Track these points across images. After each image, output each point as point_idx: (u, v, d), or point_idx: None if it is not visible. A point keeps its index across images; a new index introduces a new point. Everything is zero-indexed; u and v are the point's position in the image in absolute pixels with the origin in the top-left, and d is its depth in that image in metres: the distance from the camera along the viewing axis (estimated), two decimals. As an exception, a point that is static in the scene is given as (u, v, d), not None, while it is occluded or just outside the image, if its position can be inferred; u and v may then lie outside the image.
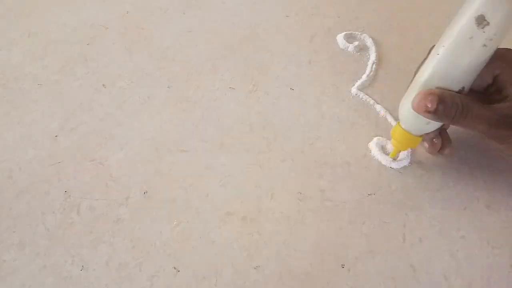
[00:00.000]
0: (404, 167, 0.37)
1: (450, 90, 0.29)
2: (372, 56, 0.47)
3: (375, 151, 0.38)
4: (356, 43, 0.48)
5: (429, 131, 0.33)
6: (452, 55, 0.30)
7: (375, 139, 0.39)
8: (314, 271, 0.31)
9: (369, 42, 0.49)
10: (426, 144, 0.37)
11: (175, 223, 0.34)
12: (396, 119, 0.40)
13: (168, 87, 0.44)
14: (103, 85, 0.44)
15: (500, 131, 0.29)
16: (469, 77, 0.30)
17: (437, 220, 0.34)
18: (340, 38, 0.49)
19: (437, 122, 0.31)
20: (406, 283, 0.31)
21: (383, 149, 0.38)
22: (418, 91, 0.30)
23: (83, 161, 0.38)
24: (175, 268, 0.32)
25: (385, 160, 0.37)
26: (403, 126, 0.34)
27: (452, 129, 0.36)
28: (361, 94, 0.43)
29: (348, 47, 0.48)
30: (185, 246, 0.33)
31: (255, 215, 0.34)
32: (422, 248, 0.33)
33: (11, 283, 0.31)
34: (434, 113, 0.29)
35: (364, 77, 0.45)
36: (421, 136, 0.34)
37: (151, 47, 0.49)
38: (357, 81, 0.44)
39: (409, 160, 0.37)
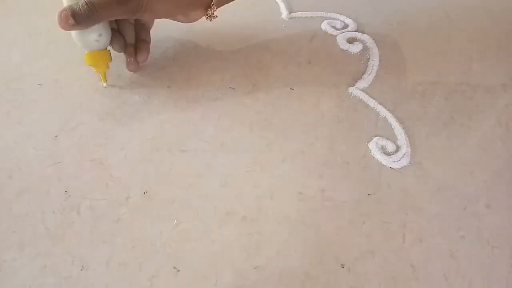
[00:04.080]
0: (404, 167, 0.37)
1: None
2: (372, 56, 0.47)
3: (375, 151, 0.38)
4: (356, 43, 0.48)
5: (105, 43, 0.39)
6: None
7: (375, 139, 0.39)
8: (314, 271, 0.31)
9: (369, 42, 0.49)
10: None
11: (175, 223, 0.34)
12: (397, 118, 0.40)
13: (168, 87, 0.44)
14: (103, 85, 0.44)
15: (128, 3, 0.34)
16: None
17: (437, 220, 0.34)
18: (340, 38, 0.49)
19: (107, 31, 0.38)
20: (406, 283, 0.31)
21: (383, 149, 0.38)
22: None
23: (83, 161, 0.38)
24: (175, 268, 0.32)
25: (385, 160, 0.38)
26: (86, 51, 0.39)
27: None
28: (361, 94, 0.43)
29: (348, 47, 0.48)
30: (185, 246, 0.33)
31: (255, 215, 0.34)
32: (422, 248, 0.33)
33: (11, 283, 0.31)
34: (78, 23, 0.34)
35: (364, 77, 0.45)
36: (106, 51, 0.40)
37: (151, 47, 0.49)
38: (357, 81, 0.44)
39: (409, 160, 0.37)
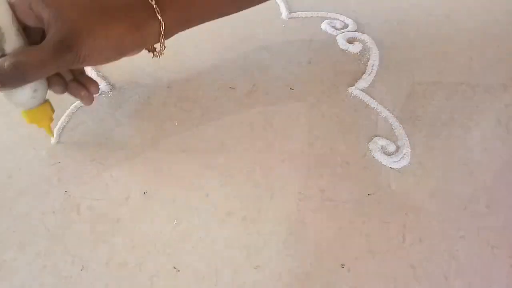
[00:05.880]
0: (404, 167, 0.37)
1: None
2: (372, 56, 0.47)
3: (375, 151, 0.38)
4: (356, 43, 0.48)
5: (43, 96, 0.33)
6: None
7: (375, 139, 0.39)
8: (314, 271, 0.31)
9: (369, 42, 0.49)
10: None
11: (175, 223, 0.34)
12: (397, 118, 0.40)
13: (168, 87, 0.44)
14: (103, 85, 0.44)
15: (64, 56, 0.28)
16: None
17: (437, 220, 0.34)
18: (340, 38, 0.49)
19: (43, 83, 0.32)
20: (406, 283, 0.31)
21: (383, 149, 0.38)
22: None
23: (83, 161, 0.38)
24: (175, 268, 0.32)
25: (385, 160, 0.38)
26: (21, 110, 0.33)
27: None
28: (361, 94, 0.43)
29: (348, 47, 0.48)
30: (185, 246, 0.33)
31: (255, 215, 0.34)
32: (422, 248, 0.33)
33: (11, 283, 0.31)
34: (3, 85, 0.28)
35: (364, 77, 0.45)
36: (45, 103, 0.33)
37: (151, 47, 0.49)
38: (357, 81, 0.44)
39: (409, 160, 0.37)
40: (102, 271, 0.31)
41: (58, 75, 0.34)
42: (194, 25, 0.37)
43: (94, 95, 0.37)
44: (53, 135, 0.38)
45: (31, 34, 0.30)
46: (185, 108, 0.42)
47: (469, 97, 0.43)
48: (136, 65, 0.47)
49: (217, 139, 0.39)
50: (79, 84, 0.35)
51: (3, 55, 0.28)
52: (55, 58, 0.27)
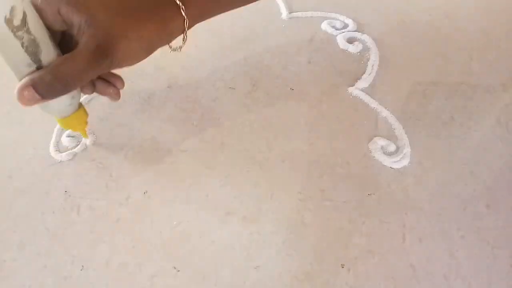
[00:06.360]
0: (404, 167, 0.37)
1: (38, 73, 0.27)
2: (372, 56, 0.47)
3: (375, 151, 0.38)
4: (356, 43, 0.48)
5: (78, 102, 0.32)
6: None
7: (375, 139, 0.39)
8: (314, 271, 0.31)
9: (369, 42, 0.49)
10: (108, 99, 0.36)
11: (175, 223, 0.34)
12: (397, 118, 0.40)
13: (168, 87, 0.44)
14: (103, 85, 0.44)
15: (102, 63, 0.28)
16: (30, 55, 0.26)
17: (437, 220, 0.34)
18: (340, 38, 0.49)
19: (77, 92, 0.31)
20: (406, 283, 0.31)
21: (383, 149, 0.38)
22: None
23: (83, 161, 0.38)
24: (175, 268, 0.32)
25: (385, 160, 0.38)
26: (58, 117, 0.32)
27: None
28: (361, 94, 0.43)
29: (348, 47, 0.48)
30: (185, 246, 0.33)
31: (255, 215, 0.34)
32: (422, 248, 0.33)
33: (11, 283, 0.31)
34: (45, 98, 0.27)
35: (364, 77, 0.45)
36: (79, 108, 0.33)
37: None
38: (357, 81, 0.44)
39: (409, 160, 0.37)
40: (102, 271, 0.31)
41: None
42: (212, 17, 0.37)
43: (121, 90, 0.36)
44: (87, 137, 0.38)
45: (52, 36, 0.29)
46: (185, 108, 0.42)
47: (469, 97, 0.43)
48: (136, 65, 0.46)
49: (217, 139, 0.39)
50: (106, 82, 0.35)
51: (40, 66, 0.27)
52: (93, 66, 0.27)
